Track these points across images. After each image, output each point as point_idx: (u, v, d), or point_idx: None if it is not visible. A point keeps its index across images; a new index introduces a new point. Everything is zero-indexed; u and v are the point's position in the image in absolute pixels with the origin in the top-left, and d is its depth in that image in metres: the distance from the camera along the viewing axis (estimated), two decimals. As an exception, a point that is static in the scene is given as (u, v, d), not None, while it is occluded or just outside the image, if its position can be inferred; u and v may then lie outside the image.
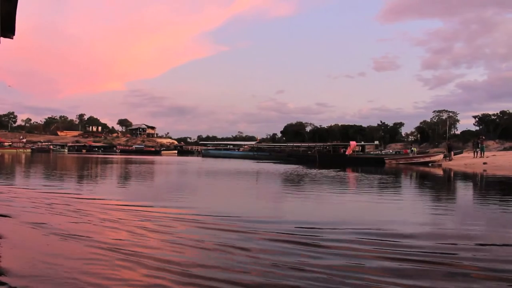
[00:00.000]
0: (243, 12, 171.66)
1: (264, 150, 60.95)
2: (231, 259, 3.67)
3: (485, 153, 29.03)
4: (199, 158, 49.26)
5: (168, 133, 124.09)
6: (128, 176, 15.96)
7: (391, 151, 55.24)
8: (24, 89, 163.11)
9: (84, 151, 78.06)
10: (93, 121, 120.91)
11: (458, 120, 72.72)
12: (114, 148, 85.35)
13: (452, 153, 30.58)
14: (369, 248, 4.11)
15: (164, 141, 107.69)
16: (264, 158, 45.77)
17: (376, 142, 60.79)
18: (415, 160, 29.85)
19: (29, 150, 70.81)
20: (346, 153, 36.11)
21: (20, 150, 70.37)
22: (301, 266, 3.47)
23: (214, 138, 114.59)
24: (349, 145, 38.34)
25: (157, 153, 74.23)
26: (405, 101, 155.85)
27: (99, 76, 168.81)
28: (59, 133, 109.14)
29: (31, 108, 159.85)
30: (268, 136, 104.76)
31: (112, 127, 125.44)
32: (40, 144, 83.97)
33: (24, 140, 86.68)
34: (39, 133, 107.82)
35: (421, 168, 24.96)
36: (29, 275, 3.15)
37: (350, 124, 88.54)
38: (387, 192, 10.92)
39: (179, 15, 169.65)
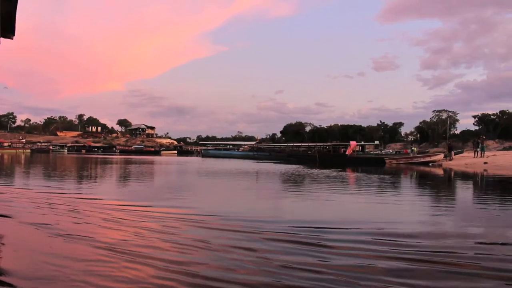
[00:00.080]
0: (243, 12, 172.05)
1: (264, 150, 60.92)
2: (236, 259, 3.63)
3: (485, 152, 29.01)
4: (199, 158, 49.19)
5: (167, 133, 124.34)
6: (128, 176, 15.91)
7: (391, 151, 55.20)
8: (24, 89, 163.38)
9: (83, 151, 78.00)
10: (93, 121, 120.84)
11: (457, 120, 72.85)
12: (114, 148, 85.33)
13: (453, 153, 30.56)
14: (374, 248, 4.07)
15: (164, 141, 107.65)
16: (264, 158, 45.74)
17: (376, 142, 60.81)
18: (416, 160, 29.82)
19: (28, 151, 70.68)
20: (346, 153, 36.07)
21: (20, 150, 70.28)
22: (307, 266, 3.43)
23: (213, 138, 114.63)
24: (349, 145, 38.31)
25: (157, 153, 74.15)
26: (405, 101, 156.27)
27: (99, 76, 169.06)
28: (58, 133, 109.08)
29: (30, 108, 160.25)
30: (268, 136, 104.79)
31: (112, 127, 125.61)
32: (39, 144, 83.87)
33: (24, 140, 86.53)
34: (39, 134, 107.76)
35: (422, 168, 24.93)
36: (31, 276, 3.12)
37: (350, 124, 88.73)
38: (390, 192, 10.88)
39: (179, 15, 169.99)
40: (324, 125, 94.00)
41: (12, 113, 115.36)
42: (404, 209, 7.59)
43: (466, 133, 66.00)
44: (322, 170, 20.31)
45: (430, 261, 3.61)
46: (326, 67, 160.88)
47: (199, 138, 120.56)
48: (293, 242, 4.29)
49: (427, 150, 51.26)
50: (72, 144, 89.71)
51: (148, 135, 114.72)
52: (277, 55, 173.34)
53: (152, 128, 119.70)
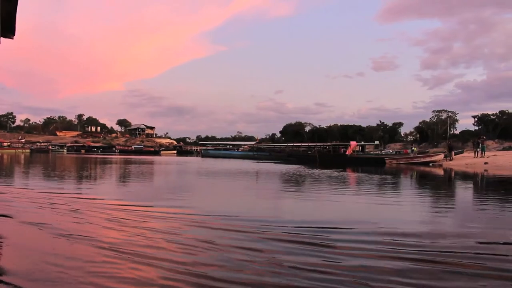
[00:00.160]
0: (242, 12, 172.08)
1: (264, 150, 60.86)
2: (242, 260, 3.59)
3: (485, 153, 29.00)
4: (199, 158, 49.15)
5: (167, 133, 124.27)
6: (128, 177, 15.86)
7: (391, 151, 55.23)
8: (23, 89, 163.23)
9: (83, 151, 77.89)
10: (92, 121, 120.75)
11: (457, 120, 72.87)
12: (113, 148, 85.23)
13: (453, 153, 30.55)
14: (381, 248, 4.05)
15: (163, 141, 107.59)
16: (264, 158, 45.69)
17: (377, 142, 60.82)
18: (416, 160, 29.80)
19: (28, 151, 70.57)
20: (347, 153, 36.04)
21: (19, 150, 70.16)
22: (314, 267, 3.39)
23: (213, 138, 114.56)
24: (349, 145, 38.28)
25: (156, 153, 74.08)
26: (404, 101, 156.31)
27: (99, 76, 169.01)
28: (58, 133, 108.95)
29: (30, 108, 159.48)
30: (267, 136, 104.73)
31: (111, 127, 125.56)
32: (39, 144, 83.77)
33: (23, 140, 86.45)
34: (38, 134, 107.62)
35: (422, 168, 24.90)
36: (32, 275, 3.09)
37: (349, 124, 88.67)
38: (392, 193, 10.88)
39: (179, 15, 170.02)
40: (324, 125, 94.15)
41: (12, 113, 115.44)
42: (406, 210, 7.56)
43: (465, 133, 66.04)
44: (323, 170, 20.27)
45: (433, 261, 3.60)
46: (325, 67, 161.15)
47: (199, 138, 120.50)
48: (298, 243, 4.24)
49: (427, 150, 51.27)
50: (72, 144, 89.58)
51: (147, 135, 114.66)
52: (277, 55, 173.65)
53: (152, 128, 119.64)
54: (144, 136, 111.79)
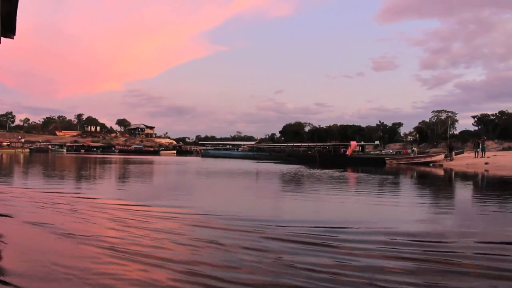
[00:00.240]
0: (242, 12, 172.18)
1: (264, 150, 60.81)
2: (249, 260, 3.54)
3: (485, 153, 28.97)
4: (199, 158, 49.10)
5: (166, 133, 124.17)
6: (128, 176, 15.80)
7: (391, 151, 55.23)
8: (23, 89, 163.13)
9: (82, 151, 77.78)
10: (92, 121, 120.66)
11: (457, 120, 72.92)
12: (113, 148, 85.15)
13: (453, 153, 30.52)
14: (385, 248, 4.01)
15: (163, 141, 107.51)
16: (264, 158, 45.65)
17: (377, 142, 60.80)
18: (416, 160, 29.77)
19: (27, 150, 70.47)
20: (347, 153, 36.01)
21: (19, 150, 70.05)
22: (321, 268, 3.35)
23: (212, 138, 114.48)
24: (350, 145, 38.25)
25: (156, 153, 74.02)
26: (404, 101, 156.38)
27: (99, 76, 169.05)
28: (57, 133, 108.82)
29: (29, 108, 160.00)
30: (267, 136, 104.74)
31: (111, 127, 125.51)
32: (38, 144, 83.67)
33: (23, 140, 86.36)
34: (38, 133, 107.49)
35: (423, 168, 24.87)
36: (33, 275, 3.05)
37: (349, 124, 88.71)
38: (395, 193, 10.88)
39: (179, 15, 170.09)
40: (323, 125, 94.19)
41: (11, 112, 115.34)
42: (409, 210, 7.51)
43: (465, 134, 66.13)
44: (324, 171, 20.22)
45: (436, 261, 3.58)
46: (325, 67, 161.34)
47: (198, 138, 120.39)
48: (305, 243, 4.20)
49: (426, 151, 51.31)
50: (71, 144, 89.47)
51: (147, 135, 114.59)
52: (277, 55, 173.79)
53: (151, 128, 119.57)
54: (144, 136, 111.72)
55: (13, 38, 5.04)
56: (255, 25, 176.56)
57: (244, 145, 73.60)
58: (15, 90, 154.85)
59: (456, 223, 6.02)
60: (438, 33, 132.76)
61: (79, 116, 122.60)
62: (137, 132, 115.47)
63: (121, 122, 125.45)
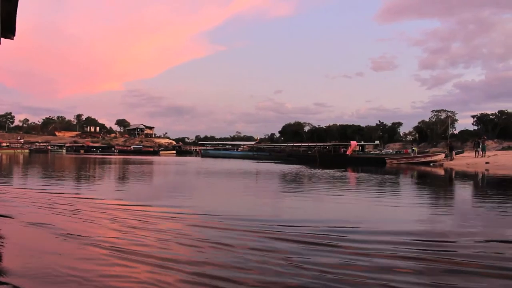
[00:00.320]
0: (242, 12, 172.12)
1: (264, 150, 60.75)
2: (259, 261, 3.51)
3: (486, 152, 28.97)
4: (198, 158, 49.04)
5: (166, 133, 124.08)
6: (128, 177, 15.75)
7: (391, 150, 55.15)
8: (23, 89, 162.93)
9: (82, 151, 77.69)
10: (91, 121, 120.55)
11: (456, 120, 72.89)
12: (112, 149, 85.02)
13: (454, 153, 30.50)
14: (390, 248, 3.97)
15: (162, 141, 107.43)
16: (264, 158, 45.61)
17: (377, 142, 60.73)
18: (417, 160, 29.74)
19: (27, 151, 70.34)
20: (347, 153, 35.97)
21: (18, 150, 69.89)
22: (326, 268, 3.31)
23: (212, 138, 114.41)
24: (350, 145, 38.20)
25: (156, 153, 73.91)
26: (403, 101, 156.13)
27: (98, 76, 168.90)
28: (57, 133, 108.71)
29: (28, 108, 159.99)
30: (266, 136, 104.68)
31: (110, 127, 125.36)
32: (38, 144, 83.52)
33: (22, 140, 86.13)
34: (37, 134, 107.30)
35: (423, 168, 24.85)
36: (33, 276, 3.02)
37: (349, 124, 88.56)
38: (397, 192, 10.86)
39: (178, 15, 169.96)
40: (323, 125, 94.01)
41: (10, 113, 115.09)
42: (411, 210, 7.47)
43: (465, 133, 66.07)
44: (325, 170, 20.18)
45: (441, 260, 3.57)
46: (325, 67, 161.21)
47: (198, 138, 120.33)
48: (313, 244, 4.17)
49: (426, 150, 51.23)
50: (71, 144, 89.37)
51: (146, 135, 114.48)
52: (276, 55, 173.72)
53: (151, 128, 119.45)
54: (143, 136, 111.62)
55: (12, 39, 5.02)
56: (255, 25, 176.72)
57: (243, 145, 73.55)
58: (15, 90, 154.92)
59: (461, 223, 5.97)
60: (437, 33, 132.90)
61: (78, 116, 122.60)
62: (136, 133, 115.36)
63: (121, 123, 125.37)
